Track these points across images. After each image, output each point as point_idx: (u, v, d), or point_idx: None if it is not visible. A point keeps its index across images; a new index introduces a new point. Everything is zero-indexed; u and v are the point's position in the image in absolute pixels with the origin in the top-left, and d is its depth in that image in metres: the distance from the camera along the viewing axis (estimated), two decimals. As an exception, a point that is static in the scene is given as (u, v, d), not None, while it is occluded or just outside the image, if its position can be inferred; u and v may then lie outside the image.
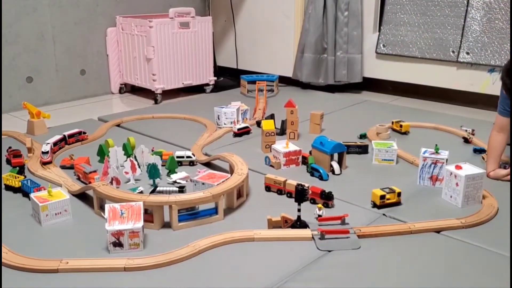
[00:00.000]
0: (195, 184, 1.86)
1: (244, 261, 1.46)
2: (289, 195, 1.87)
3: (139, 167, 2.05)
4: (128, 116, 2.96)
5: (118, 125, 2.83)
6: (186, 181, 1.97)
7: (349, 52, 3.61)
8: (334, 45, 3.61)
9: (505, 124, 2.02)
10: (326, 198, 1.79)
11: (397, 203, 1.80)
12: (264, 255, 1.50)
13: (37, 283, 1.35)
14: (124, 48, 3.59)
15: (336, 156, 2.13)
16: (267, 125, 2.34)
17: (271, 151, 2.27)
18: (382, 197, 1.77)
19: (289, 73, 3.82)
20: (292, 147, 2.19)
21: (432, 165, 1.93)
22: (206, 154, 2.32)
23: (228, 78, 4.09)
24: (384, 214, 1.74)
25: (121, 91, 3.74)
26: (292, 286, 1.34)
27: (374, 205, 1.79)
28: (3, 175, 1.94)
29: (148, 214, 1.63)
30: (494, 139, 2.04)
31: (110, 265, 1.42)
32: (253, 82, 3.54)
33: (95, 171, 1.95)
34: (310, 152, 2.20)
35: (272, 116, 2.68)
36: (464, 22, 3.16)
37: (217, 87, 3.79)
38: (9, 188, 1.92)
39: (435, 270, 1.41)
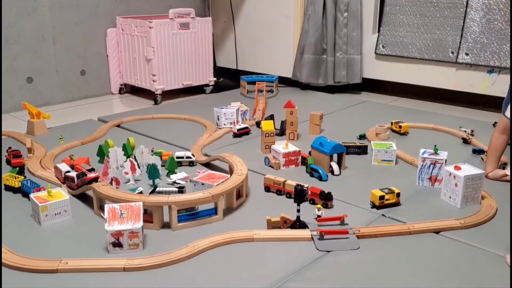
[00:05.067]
0: (194, 185, 1.86)
1: (243, 261, 1.47)
2: (289, 195, 1.87)
3: (139, 167, 2.05)
4: (128, 116, 2.97)
5: (118, 126, 2.84)
6: (186, 181, 1.97)
7: (349, 53, 3.61)
8: (333, 46, 3.61)
9: (508, 126, 2.02)
10: (326, 199, 1.79)
11: (396, 204, 1.80)
12: (264, 255, 1.50)
13: (37, 283, 1.36)
14: (124, 49, 3.59)
15: (335, 156, 2.13)
16: (267, 125, 2.35)
17: (270, 151, 2.27)
18: (381, 197, 1.77)
19: (288, 74, 3.83)
20: (292, 147, 2.19)
21: (431, 166, 1.93)
22: (205, 155, 2.33)
23: (228, 78, 4.09)
24: (383, 215, 1.74)
25: (121, 91, 3.74)
26: (292, 286, 1.35)
27: (373, 206, 1.79)
28: (3, 175, 1.95)
29: (148, 215, 1.63)
30: (495, 140, 2.04)
31: (110, 265, 1.42)
32: (252, 82, 3.54)
33: (95, 172, 1.95)
34: (310, 153, 2.21)
35: (271, 117, 2.68)
36: (463, 23, 3.16)
37: (217, 88, 3.79)
38: (9, 188, 1.92)
39: (434, 270, 1.42)
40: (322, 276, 1.38)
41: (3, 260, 1.44)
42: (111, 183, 1.91)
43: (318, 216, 1.67)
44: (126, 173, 2.00)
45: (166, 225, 1.66)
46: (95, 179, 1.78)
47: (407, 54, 3.43)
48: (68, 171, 1.92)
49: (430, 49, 3.32)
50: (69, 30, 3.38)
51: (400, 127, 2.63)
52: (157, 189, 1.88)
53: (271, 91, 3.61)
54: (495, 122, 2.69)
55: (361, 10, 3.55)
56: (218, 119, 2.75)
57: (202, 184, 1.83)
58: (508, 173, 2.02)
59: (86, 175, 1.79)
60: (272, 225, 1.64)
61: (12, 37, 3.12)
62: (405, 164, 2.22)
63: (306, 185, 1.70)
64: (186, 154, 2.21)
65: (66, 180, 1.91)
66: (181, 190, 1.87)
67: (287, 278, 1.38)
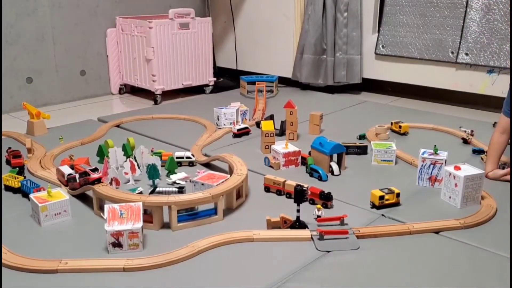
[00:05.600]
0: (194, 185, 1.86)
1: (243, 261, 1.47)
2: (288, 195, 1.87)
3: (139, 167, 2.05)
4: (128, 116, 2.97)
5: (118, 126, 2.84)
6: (186, 181, 1.97)
7: (349, 53, 3.61)
8: (333, 46, 3.61)
9: (508, 126, 2.02)
10: (325, 199, 1.79)
11: (396, 204, 1.80)
12: (263, 255, 1.50)
13: (36, 284, 1.36)
14: (124, 49, 3.59)
15: (335, 156, 2.13)
16: (267, 125, 2.35)
17: (270, 151, 2.27)
18: (381, 197, 1.77)
19: (288, 74, 3.83)
20: (292, 147, 2.19)
21: (431, 166, 1.93)
22: (205, 155, 2.33)
23: (227, 79, 4.09)
24: (383, 215, 1.74)
25: (121, 91, 3.74)
26: (291, 286, 1.35)
27: (373, 206, 1.79)
28: (2, 176, 1.95)
29: (148, 215, 1.63)
30: (496, 140, 2.04)
31: (109, 265, 1.42)
32: (252, 83, 3.54)
33: (94, 172, 1.95)
34: (310, 153, 2.21)
35: (271, 117, 2.68)
36: (463, 23, 3.16)
37: (217, 88, 3.79)
38: (8, 188, 1.92)
39: (434, 270, 1.42)
40: (322, 276, 1.38)
41: (3, 260, 1.44)
42: (111, 183, 1.91)
43: (318, 216, 1.67)
44: (126, 173, 2.00)
45: (166, 225, 1.66)
46: (98, 180, 1.77)
47: (407, 54, 3.43)
48: (70, 174, 1.91)
49: (430, 49, 3.32)
50: (69, 30, 3.38)
51: (400, 127, 2.63)
52: (157, 189, 1.88)
53: (271, 91, 3.61)
54: (495, 122, 2.68)
55: (361, 10, 3.55)
56: (218, 119, 2.75)
57: (202, 184, 1.83)
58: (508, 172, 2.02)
59: (89, 174, 1.78)
60: (272, 225, 1.64)
61: (11, 37, 3.12)
62: (405, 164, 2.22)
63: (306, 185, 1.69)
64: (186, 154, 2.21)
65: (68, 182, 1.90)
66: (181, 190, 1.87)
67: (287, 278, 1.38)
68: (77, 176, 1.84)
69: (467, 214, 1.71)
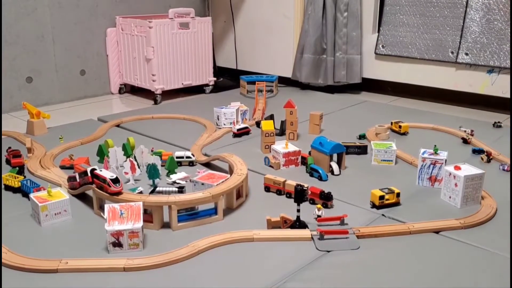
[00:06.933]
0: (194, 185, 1.86)
1: (243, 261, 1.47)
2: (289, 195, 1.87)
3: (139, 167, 2.05)
4: (128, 116, 2.97)
5: (117, 126, 2.84)
6: (186, 181, 1.97)
7: (349, 52, 3.62)
8: (333, 45, 3.61)
9: None
10: (325, 199, 1.79)
11: (396, 204, 1.80)
12: (263, 255, 1.50)
13: (37, 283, 1.36)
14: (124, 49, 3.59)
15: (335, 156, 2.13)
16: (267, 125, 2.35)
17: (270, 151, 2.27)
18: (381, 197, 1.77)
19: (288, 74, 3.83)
20: (292, 147, 2.19)
21: (431, 166, 1.93)
22: (205, 155, 2.33)
23: (227, 78, 4.09)
24: (383, 215, 1.74)
25: (120, 91, 3.74)
26: (291, 286, 1.35)
27: (373, 206, 1.79)
28: (2, 175, 1.95)
29: (148, 214, 1.63)
30: None
31: (110, 265, 1.42)
32: (252, 82, 3.54)
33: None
34: (310, 153, 2.21)
35: (271, 117, 2.68)
36: (463, 23, 3.16)
37: (217, 88, 3.79)
38: (8, 188, 1.92)
39: (434, 270, 1.42)
40: (322, 276, 1.38)
41: (3, 260, 1.44)
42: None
43: (318, 216, 1.67)
44: (126, 173, 2.00)
45: (166, 225, 1.66)
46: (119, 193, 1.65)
47: (407, 54, 3.43)
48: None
49: (430, 49, 3.32)
50: (69, 30, 3.38)
51: (400, 127, 2.63)
52: (157, 189, 1.88)
53: (271, 91, 3.61)
54: (495, 122, 2.69)
55: (361, 10, 3.55)
56: (218, 119, 2.75)
57: (202, 184, 1.83)
58: None
59: (108, 184, 1.63)
60: (272, 225, 1.64)
61: (11, 37, 3.12)
62: (405, 164, 2.22)
63: (306, 185, 1.69)
64: (186, 154, 2.21)
65: (80, 177, 1.80)
66: (181, 190, 1.87)
67: (287, 278, 1.38)
68: (88, 170, 1.73)
69: (467, 214, 1.71)
